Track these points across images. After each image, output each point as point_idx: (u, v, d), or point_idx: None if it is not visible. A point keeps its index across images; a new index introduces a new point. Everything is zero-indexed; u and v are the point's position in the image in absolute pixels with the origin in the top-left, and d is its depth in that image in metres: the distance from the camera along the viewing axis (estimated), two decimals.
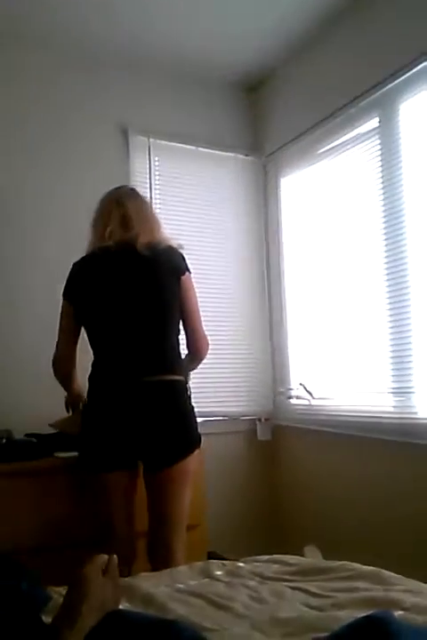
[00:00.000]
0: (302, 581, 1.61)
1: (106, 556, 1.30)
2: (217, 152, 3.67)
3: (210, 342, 3.31)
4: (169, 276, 2.30)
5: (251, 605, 1.49)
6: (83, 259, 2.34)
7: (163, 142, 3.51)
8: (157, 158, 3.50)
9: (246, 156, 3.77)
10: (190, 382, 2.42)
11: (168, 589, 1.61)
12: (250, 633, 1.33)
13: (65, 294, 2.35)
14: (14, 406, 2.82)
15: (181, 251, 2.41)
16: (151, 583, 1.66)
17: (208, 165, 3.67)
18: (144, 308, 2.25)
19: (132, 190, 2.53)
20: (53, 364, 2.38)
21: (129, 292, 2.25)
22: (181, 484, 2.25)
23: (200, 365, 2.53)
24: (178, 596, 1.56)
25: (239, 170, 3.75)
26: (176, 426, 2.24)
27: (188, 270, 2.37)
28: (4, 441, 2.52)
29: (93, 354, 2.32)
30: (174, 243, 2.42)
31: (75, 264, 2.35)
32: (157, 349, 2.25)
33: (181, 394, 2.29)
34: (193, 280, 2.41)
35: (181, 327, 2.38)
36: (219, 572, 1.74)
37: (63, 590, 1.59)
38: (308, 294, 3.40)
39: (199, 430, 3.00)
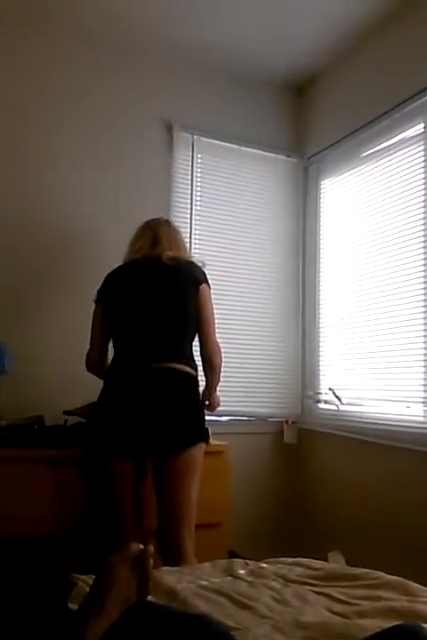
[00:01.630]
0: (326, 586, 1.60)
1: (138, 546, 1.29)
2: (259, 152, 3.67)
3: (240, 340, 3.38)
4: (188, 284, 2.44)
5: (274, 607, 1.48)
6: (114, 269, 2.55)
7: (206, 139, 3.52)
8: (199, 155, 3.51)
9: (288, 156, 3.75)
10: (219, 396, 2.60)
11: (191, 585, 1.62)
12: (272, 634, 1.33)
13: (97, 299, 2.55)
14: (47, 393, 2.87)
15: (204, 268, 2.55)
16: (174, 578, 1.67)
17: (250, 164, 3.66)
18: (162, 308, 2.39)
19: (167, 220, 2.74)
20: (86, 361, 2.54)
21: (150, 294, 2.42)
22: (186, 475, 2.28)
23: (225, 368, 2.60)
24: (201, 593, 1.56)
25: (280, 170, 3.74)
26: (183, 415, 2.29)
27: (207, 283, 2.50)
28: (36, 427, 2.56)
29: (114, 350, 2.46)
30: (197, 260, 2.62)
31: (107, 274, 2.56)
32: (170, 342, 2.36)
33: (190, 385, 2.36)
34: (212, 293, 2.53)
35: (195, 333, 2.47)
36: (242, 571, 1.74)
37: (87, 578, 1.62)
38: (343, 299, 3.37)
39: (225, 430, 3.06)
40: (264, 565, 1.79)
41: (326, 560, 2.13)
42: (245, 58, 3.47)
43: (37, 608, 1.19)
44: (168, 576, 1.67)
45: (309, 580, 1.66)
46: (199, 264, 2.57)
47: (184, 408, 2.31)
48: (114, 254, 2.65)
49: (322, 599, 1.52)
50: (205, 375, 2.53)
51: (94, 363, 2.52)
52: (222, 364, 2.55)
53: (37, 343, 2.99)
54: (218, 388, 2.60)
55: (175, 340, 2.38)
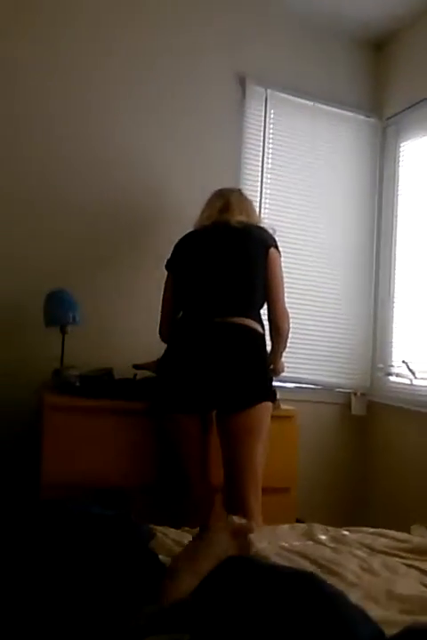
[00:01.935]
0: (416, 560, 1.50)
1: (240, 520, 1.29)
2: (335, 110, 3.50)
3: (309, 307, 3.27)
4: (257, 246, 2.39)
5: (362, 575, 1.40)
6: (182, 237, 2.53)
7: (280, 94, 3.38)
8: (272, 110, 3.37)
9: (366, 116, 3.57)
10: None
11: (271, 546, 1.55)
12: (364, 603, 1.24)
13: (166, 266, 2.54)
14: (116, 347, 2.86)
15: (274, 234, 2.50)
16: (253, 537, 1.60)
17: (325, 123, 3.50)
18: (230, 266, 2.35)
19: (239, 190, 2.70)
20: (159, 333, 2.51)
21: (217, 254, 2.38)
22: (251, 433, 2.22)
23: (293, 334, 2.54)
24: (283, 554, 1.50)
25: (357, 131, 3.57)
26: (249, 371, 2.23)
27: (276, 248, 2.44)
28: (106, 378, 2.54)
29: (182, 309, 2.43)
30: (268, 226, 2.55)
31: (176, 243, 2.54)
32: (237, 298, 2.31)
33: (257, 342, 2.29)
34: (279, 259, 2.47)
35: (264, 297, 2.42)
36: (323, 537, 1.66)
37: (164, 529, 1.58)
38: (420, 269, 3.20)
39: (291, 397, 2.98)
40: (346, 533, 1.71)
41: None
42: (322, 11, 3.31)
43: (126, 553, 1.14)
44: None
45: (396, 552, 1.56)
46: (270, 230, 2.51)
47: (250, 364, 2.24)
48: (183, 209, 2.64)
49: (414, 572, 1.43)
50: (272, 340, 2.46)
51: (166, 332, 2.48)
52: (290, 331, 2.47)
53: (108, 298, 2.97)
54: (283, 356, 2.54)
55: (242, 297, 2.33)
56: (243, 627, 0.83)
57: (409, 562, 1.50)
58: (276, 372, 2.53)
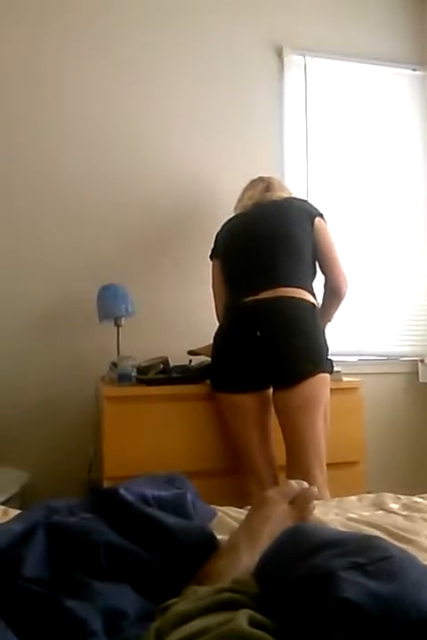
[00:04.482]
0: None
1: (301, 484, 1.22)
2: (379, 67, 3.35)
3: (367, 275, 3.13)
4: (302, 217, 2.34)
5: None
6: (224, 223, 2.52)
7: (319, 59, 3.26)
8: (312, 78, 3.26)
9: (414, 70, 3.40)
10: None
11: (339, 518, 1.48)
12: None
13: (211, 255, 2.52)
14: (170, 336, 2.85)
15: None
16: (319, 511, 1.53)
17: (369, 82, 3.35)
18: (274, 238, 2.29)
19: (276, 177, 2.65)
20: (216, 317, 2.49)
21: (261, 229, 2.33)
22: (309, 406, 2.15)
23: (352, 300, 2.52)
24: (351, 525, 1.42)
25: (405, 85, 3.40)
26: (301, 343, 2.15)
27: (322, 217, 2.38)
28: (162, 367, 2.53)
29: (229, 290, 2.38)
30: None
31: (218, 231, 2.52)
32: (283, 269, 2.24)
33: (307, 313, 2.20)
34: (328, 226, 2.41)
35: (315, 268, 2.37)
36: (394, 505, 1.57)
37: (228, 509, 1.53)
38: None
39: (355, 371, 2.88)
40: (419, 500, 1.61)
41: None
42: None
43: (183, 529, 1.10)
44: None
45: None
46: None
47: (303, 336, 2.16)
48: (229, 192, 2.59)
49: None
50: (325, 303, 2.38)
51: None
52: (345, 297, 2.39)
53: (161, 288, 2.97)
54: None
55: (290, 268, 2.25)
56: (305, 602, 0.77)
57: None
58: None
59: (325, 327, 2.40)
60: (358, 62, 3.31)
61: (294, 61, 3.23)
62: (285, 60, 3.21)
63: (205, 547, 1.10)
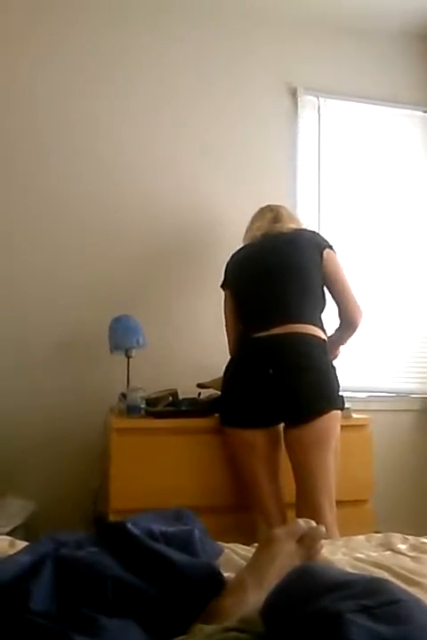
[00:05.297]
0: None
1: (309, 523, 1.22)
2: (393, 109, 3.41)
3: (377, 311, 3.15)
4: (310, 248, 2.34)
5: None
6: (234, 253, 2.53)
7: (333, 101, 3.33)
8: (326, 118, 3.32)
9: (425, 112, 3.45)
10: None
11: (347, 558, 1.46)
12: None
13: (222, 285, 2.53)
14: (180, 368, 2.86)
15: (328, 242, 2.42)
16: (327, 550, 1.51)
17: (382, 124, 3.41)
18: (283, 272, 2.29)
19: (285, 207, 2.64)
20: (229, 349, 2.49)
21: (270, 262, 2.33)
22: (321, 443, 2.14)
23: (362, 336, 2.52)
24: (358, 565, 1.40)
25: (418, 128, 3.45)
26: (312, 380, 2.14)
27: (331, 248, 2.38)
28: (171, 399, 2.53)
29: (240, 323, 2.39)
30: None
31: (228, 260, 2.53)
32: (293, 304, 2.24)
33: (318, 347, 2.21)
34: (339, 257, 2.41)
35: (325, 300, 2.37)
36: (402, 546, 1.56)
37: (235, 546, 1.53)
38: None
39: (365, 407, 2.87)
40: None
41: None
42: (372, 7, 3.23)
43: (188, 566, 1.10)
44: None
45: None
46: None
47: (315, 372, 2.16)
48: (241, 226, 2.61)
49: None
50: (340, 332, 2.41)
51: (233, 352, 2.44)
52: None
53: (172, 321, 3.00)
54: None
55: (300, 303, 2.25)
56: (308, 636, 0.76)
57: None
58: (334, 356, 2.45)
59: (338, 351, 2.46)
60: (371, 104, 3.37)
61: (308, 102, 3.30)
62: (299, 100, 3.27)
63: (212, 584, 1.10)
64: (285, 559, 1.12)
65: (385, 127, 3.41)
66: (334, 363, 2.44)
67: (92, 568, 1.09)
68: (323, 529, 1.21)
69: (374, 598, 0.75)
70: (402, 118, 3.43)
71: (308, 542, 1.17)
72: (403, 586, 1.29)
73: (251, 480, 2.24)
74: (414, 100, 3.44)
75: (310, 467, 2.14)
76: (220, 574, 1.14)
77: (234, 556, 1.43)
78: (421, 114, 3.45)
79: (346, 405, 2.41)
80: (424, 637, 0.68)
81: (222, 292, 2.53)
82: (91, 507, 2.61)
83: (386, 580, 0.85)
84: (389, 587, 0.79)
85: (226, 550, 1.46)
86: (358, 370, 3.15)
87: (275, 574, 1.08)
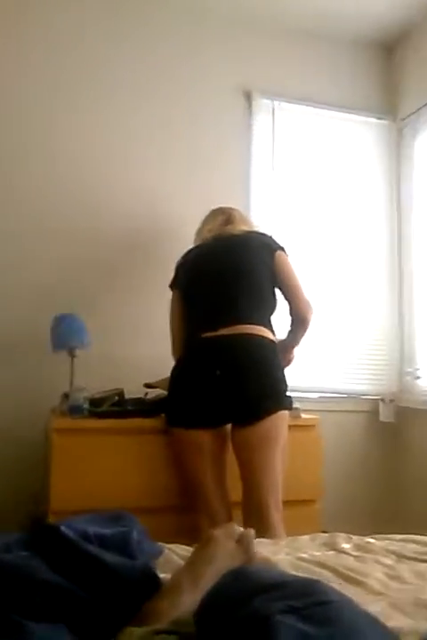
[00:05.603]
0: None
1: (241, 528, 1.22)
2: (347, 115, 3.43)
3: (329, 313, 3.16)
4: (261, 250, 2.34)
5: (389, 584, 1.29)
6: (184, 254, 2.51)
7: (288, 105, 3.32)
8: (280, 122, 3.31)
9: (379, 119, 3.48)
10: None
11: (290, 557, 1.45)
12: (389, 612, 1.13)
13: (170, 286, 2.50)
14: (126, 368, 2.79)
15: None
16: (270, 550, 1.50)
17: (336, 129, 3.42)
18: (233, 274, 2.28)
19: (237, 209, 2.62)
20: (172, 349, 2.45)
21: (221, 263, 2.32)
22: (268, 444, 2.13)
23: (314, 337, 2.51)
24: (301, 565, 1.39)
25: (371, 134, 3.48)
26: (260, 380, 2.14)
27: (282, 250, 2.38)
28: (116, 399, 2.48)
29: (188, 324, 2.36)
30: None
31: (178, 260, 2.52)
32: (242, 306, 2.23)
33: (266, 348, 2.20)
34: (290, 259, 2.41)
35: (275, 302, 2.37)
36: (346, 545, 1.55)
37: (175, 547, 1.49)
38: None
39: (316, 407, 2.86)
40: (371, 540, 1.59)
41: None
42: (328, 14, 3.25)
43: (125, 570, 1.06)
44: (263, 548, 1.50)
45: None
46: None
47: (262, 373, 2.15)
48: (191, 230, 2.58)
49: None
50: (292, 332, 2.39)
51: (178, 350, 2.39)
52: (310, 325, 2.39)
53: (117, 321, 2.93)
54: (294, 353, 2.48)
55: (250, 304, 2.24)
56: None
57: None
58: (287, 362, 2.44)
59: (292, 354, 2.44)
60: (326, 109, 3.38)
61: (262, 105, 3.28)
62: (253, 103, 3.25)
63: (147, 586, 1.07)
64: (224, 560, 1.10)
65: (339, 132, 3.42)
66: (290, 366, 2.47)
67: (19, 572, 1.05)
68: (252, 532, 1.21)
69: (305, 599, 0.73)
70: (355, 124, 3.45)
71: (244, 543, 1.15)
72: (345, 585, 1.29)
73: (197, 481, 2.21)
74: (367, 106, 3.47)
75: (256, 466, 2.13)
76: (156, 576, 1.10)
77: (174, 556, 1.40)
78: (374, 120, 3.48)
79: (295, 405, 2.41)
80: (352, 637, 0.65)
81: (169, 293, 2.50)
82: (31, 508, 2.52)
83: (319, 582, 0.83)
84: (320, 588, 0.78)
85: (166, 551, 1.43)
86: (310, 370, 3.15)
87: (213, 575, 1.05)
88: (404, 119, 3.42)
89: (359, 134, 3.46)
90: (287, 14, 3.22)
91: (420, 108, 3.27)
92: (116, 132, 3.05)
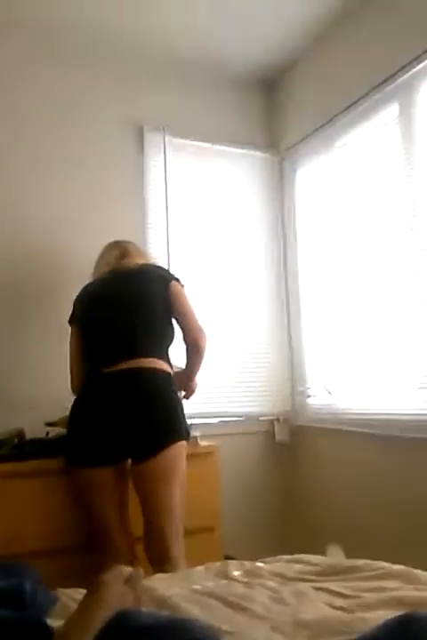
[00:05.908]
0: (325, 581, 1.51)
1: (129, 569, 1.26)
2: (232, 149, 3.60)
3: (224, 339, 3.29)
4: (156, 282, 2.42)
5: (271, 607, 1.39)
6: (81, 289, 2.54)
7: (178, 139, 3.45)
8: (171, 155, 3.43)
9: (263, 152, 3.69)
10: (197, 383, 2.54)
11: (183, 590, 1.52)
12: (270, 635, 1.24)
13: (69, 321, 2.52)
14: (26, 407, 2.75)
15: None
16: (165, 585, 1.57)
17: (223, 163, 3.59)
18: (128, 308, 2.34)
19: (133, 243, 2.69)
20: (70, 385, 2.44)
21: (116, 298, 2.39)
22: (167, 476, 2.19)
23: (211, 363, 2.58)
24: (193, 597, 1.47)
25: (255, 166, 3.68)
26: (156, 413, 2.20)
27: (177, 280, 2.47)
28: (16, 440, 2.46)
29: (87, 360, 2.38)
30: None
31: (76, 296, 2.54)
32: (138, 340, 2.29)
33: (162, 381, 2.26)
34: (185, 289, 2.50)
35: (173, 333, 2.45)
36: (237, 573, 1.65)
37: (72, 592, 1.52)
38: (326, 289, 3.29)
39: (214, 432, 2.95)
40: (261, 565, 1.70)
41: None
42: (214, 55, 3.40)
43: (13, 625, 1.09)
44: (158, 583, 1.57)
45: (307, 577, 1.57)
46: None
47: (158, 406, 2.22)
48: (88, 267, 2.61)
49: (322, 594, 1.44)
50: (188, 360, 2.44)
51: (78, 387, 2.40)
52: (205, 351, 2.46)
53: (13, 358, 2.89)
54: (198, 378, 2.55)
55: (145, 338, 2.31)
56: None
57: (319, 584, 1.50)
58: (190, 392, 2.52)
59: (195, 383, 2.51)
60: (213, 144, 3.54)
61: (153, 140, 3.38)
62: (145, 138, 3.36)
63: (37, 637, 1.10)
64: (114, 602, 1.14)
65: (226, 165, 3.59)
66: (193, 396, 2.55)
67: None
68: (140, 571, 1.27)
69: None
70: (242, 157, 3.64)
71: (133, 583, 1.21)
72: (232, 612, 1.38)
73: (99, 518, 2.24)
74: (251, 140, 3.66)
75: (155, 500, 2.19)
76: (46, 626, 1.14)
77: (71, 602, 1.43)
78: (259, 154, 3.68)
79: (194, 434, 2.50)
80: None
81: (65, 326, 2.52)
82: None
83: (189, 620, 0.91)
84: (190, 626, 0.86)
85: (63, 598, 1.45)
86: (209, 396, 3.26)
87: (103, 619, 1.10)
88: (285, 151, 3.65)
89: (246, 167, 3.65)
90: (175, 52, 3.33)
91: (297, 143, 3.51)
92: (12, 165, 3.03)
